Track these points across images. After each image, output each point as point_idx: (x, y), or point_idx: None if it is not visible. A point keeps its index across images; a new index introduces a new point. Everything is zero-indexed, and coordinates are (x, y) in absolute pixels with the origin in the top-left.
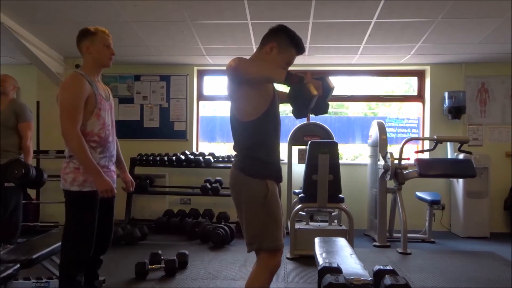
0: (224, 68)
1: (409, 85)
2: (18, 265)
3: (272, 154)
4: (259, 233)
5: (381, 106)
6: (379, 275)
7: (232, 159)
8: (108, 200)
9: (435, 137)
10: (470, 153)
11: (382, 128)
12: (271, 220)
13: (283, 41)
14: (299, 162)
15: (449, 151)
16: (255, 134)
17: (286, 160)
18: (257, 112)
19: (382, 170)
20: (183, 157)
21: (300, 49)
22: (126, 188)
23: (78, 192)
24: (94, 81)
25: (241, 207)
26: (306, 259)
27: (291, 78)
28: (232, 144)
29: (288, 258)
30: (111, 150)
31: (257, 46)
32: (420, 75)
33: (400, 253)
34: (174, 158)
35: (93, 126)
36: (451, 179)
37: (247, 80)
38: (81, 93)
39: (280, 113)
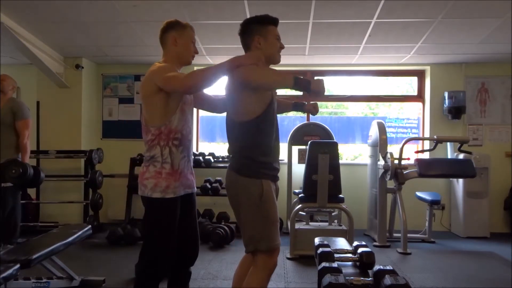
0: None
1: (409, 85)
2: (18, 265)
3: (268, 154)
4: (255, 234)
5: (381, 106)
6: (379, 275)
7: None
8: (187, 202)
9: (435, 137)
10: (470, 153)
11: (382, 128)
12: (267, 221)
13: (258, 29)
14: (299, 162)
15: (449, 151)
16: (252, 134)
17: (286, 160)
18: (255, 113)
19: (382, 170)
20: None
21: (274, 21)
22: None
23: (160, 199)
24: None
25: (237, 209)
26: (306, 259)
27: (299, 83)
28: None
29: (288, 258)
30: (190, 150)
31: None
32: (420, 75)
33: (400, 253)
34: None
35: (178, 122)
36: (451, 179)
37: (259, 87)
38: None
39: (280, 114)
